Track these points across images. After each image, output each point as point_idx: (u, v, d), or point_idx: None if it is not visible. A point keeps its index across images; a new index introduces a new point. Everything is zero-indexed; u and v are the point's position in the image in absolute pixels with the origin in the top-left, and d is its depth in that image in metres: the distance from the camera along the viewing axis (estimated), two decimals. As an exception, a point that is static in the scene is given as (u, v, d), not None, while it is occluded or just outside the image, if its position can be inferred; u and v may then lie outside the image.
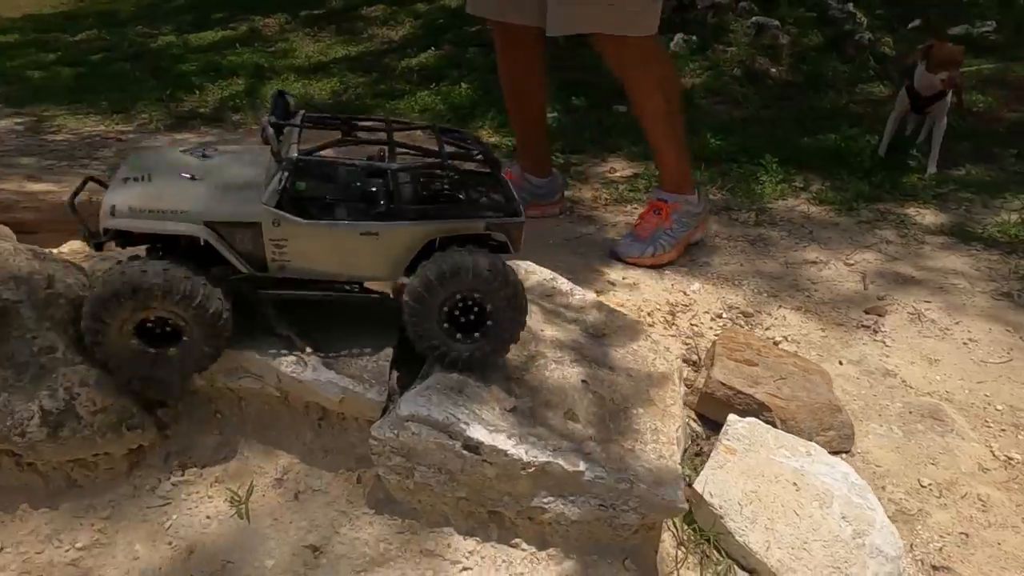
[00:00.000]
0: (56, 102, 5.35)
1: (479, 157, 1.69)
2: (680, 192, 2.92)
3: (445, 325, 1.58)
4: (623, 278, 2.83)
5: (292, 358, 1.58)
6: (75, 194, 1.69)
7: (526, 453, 1.45)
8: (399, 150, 1.68)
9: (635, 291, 2.74)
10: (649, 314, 2.60)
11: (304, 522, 1.54)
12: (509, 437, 1.46)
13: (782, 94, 4.60)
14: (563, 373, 1.75)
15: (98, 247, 1.62)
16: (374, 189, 1.65)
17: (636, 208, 3.49)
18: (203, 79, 5.69)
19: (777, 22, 5.05)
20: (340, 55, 6.24)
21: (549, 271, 2.30)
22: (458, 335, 1.60)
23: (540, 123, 3.33)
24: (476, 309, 1.58)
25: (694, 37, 5.14)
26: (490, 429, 1.47)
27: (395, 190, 1.57)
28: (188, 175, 1.61)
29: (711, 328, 2.54)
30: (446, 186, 1.68)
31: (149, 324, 1.51)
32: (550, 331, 1.91)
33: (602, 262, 2.91)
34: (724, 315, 2.60)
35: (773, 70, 4.75)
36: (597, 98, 4.87)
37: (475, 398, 1.55)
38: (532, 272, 2.27)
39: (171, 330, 1.51)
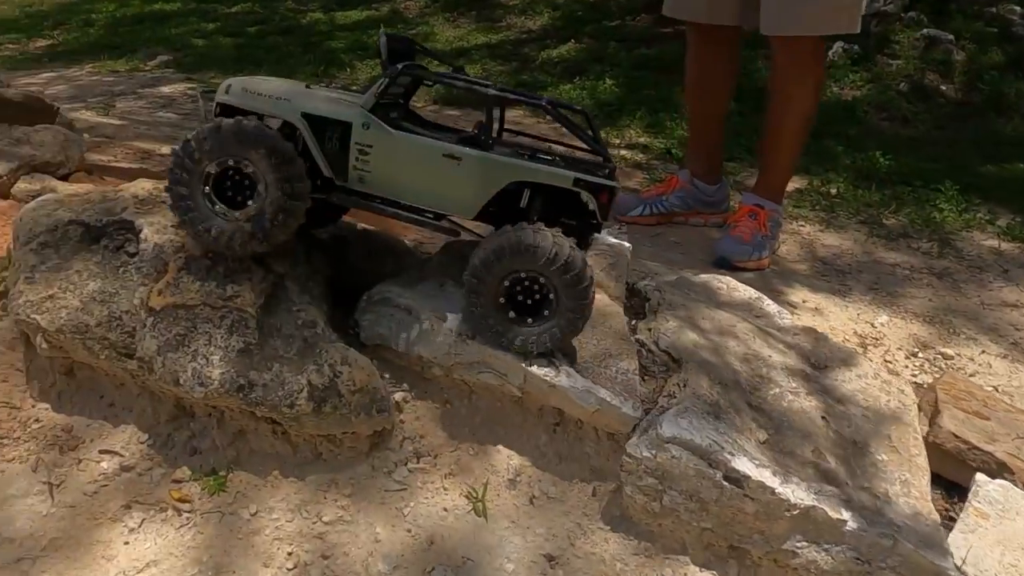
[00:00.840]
0: (221, 69, 5.55)
1: (580, 109, 1.64)
2: (775, 200, 2.88)
3: (502, 301, 1.48)
4: (803, 301, 2.68)
5: (545, 361, 1.53)
6: (203, 94, 1.71)
7: (792, 494, 1.35)
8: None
9: (820, 316, 2.58)
10: (826, 333, 2.44)
11: (541, 529, 1.50)
12: (774, 474, 1.37)
13: (956, 114, 4.26)
14: (801, 405, 1.64)
15: (223, 110, 1.59)
16: (472, 136, 1.56)
17: (803, 226, 3.30)
18: (352, 57, 5.78)
19: (951, 36, 4.67)
20: (480, 42, 6.21)
21: (754, 290, 2.18)
22: (516, 316, 1.49)
23: (721, 125, 3.19)
24: (537, 292, 1.47)
25: (855, 46, 4.83)
26: (755, 463, 1.37)
27: (488, 119, 1.47)
28: (306, 84, 1.67)
29: (907, 367, 2.36)
30: (542, 143, 1.68)
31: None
32: (775, 356, 1.80)
33: (771, 283, 2.76)
34: (920, 354, 2.42)
35: (945, 88, 4.40)
36: (749, 102, 4.65)
37: (731, 425, 1.46)
38: (736, 290, 2.16)
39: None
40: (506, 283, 1.45)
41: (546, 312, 1.47)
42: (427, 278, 1.75)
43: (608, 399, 1.46)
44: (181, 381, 1.43)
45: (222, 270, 1.53)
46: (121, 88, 5.05)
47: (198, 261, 1.52)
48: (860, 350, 2.43)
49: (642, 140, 4.33)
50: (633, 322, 1.90)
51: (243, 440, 1.58)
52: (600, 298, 1.76)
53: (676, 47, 5.72)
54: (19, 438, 1.56)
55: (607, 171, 1.48)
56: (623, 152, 4.14)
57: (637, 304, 2.02)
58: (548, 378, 1.50)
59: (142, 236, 1.60)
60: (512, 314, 1.50)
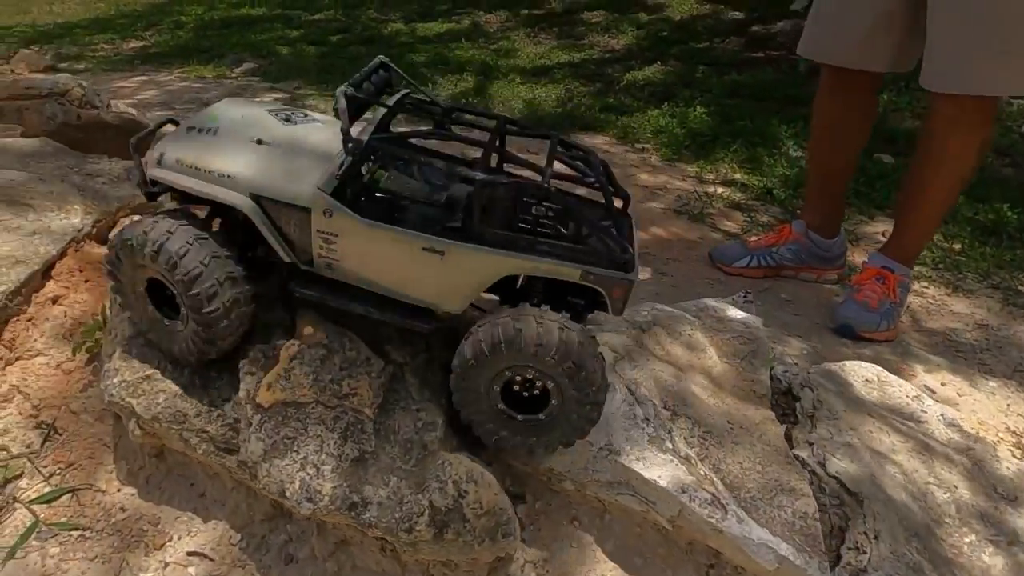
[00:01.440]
0: (305, 79, 5.42)
1: (594, 184, 1.25)
2: (907, 264, 2.57)
3: (495, 399, 1.22)
4: (941, 384, 2.33)
5: (707, 495, 1.25)
6: (146, 135, 1.40)
7: None
8: (504, 161, 1.32)
9: (963, 406, 2.22)
10: (995, 445, 2.09)
11: None
12: None
13: (1092, 165, 3.79)
14: (1004, 562, 1.32)
15: (150, 196, 1.36)
16: (454, 198, 1.30)
17: (926, 287, 2.93)
18: (433, 71, 5.58)
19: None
20: (562, 60, 5.93)
21: (911, 386, 1.86)
22: (512, 415, 1.23)
23: (847, 175, 2.85)
24: (537, 389, 1.21)
25: (973, 85, 4.36)
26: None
27: (478, 204, 1.17)
28: (256, 139, 1.31)
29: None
30: (547, 214, 1.29)
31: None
32: (959, 485, 1.48)
33: (901, 360, 2.42)
34: (1096, 462, 2.03)
35: (1079, 136, 3.93)
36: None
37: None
38: (889, 384, 1.84)
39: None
40: (501, 382, 1.20)
41: (545, 414, 1.21)
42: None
43: (791, 557, 1.18)
44: (288, 494, 1.21)
45: (338, 361, 1.31)
46: (209, 96, 4.96)
47: (312, 350, 1.30)
48: (1017, 453, 2.08)
49: (738, 177, 3.99)
50: (784, 427, 1.61)
51: (345, 552, 1.35)
52: (746, 403, 1.48)
53: (769, 74, 5.34)
54: (102, 530, 1.37)
55: (624, 261, 1.18)
56: (719, 189, 3.81)
57: (783, 401, 1.72)
58: (713, 520, 1.23)
59: (248, 311, 1.40)
60: (505, 410, 1.23)
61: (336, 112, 1.17)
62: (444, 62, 5.81)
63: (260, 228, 1.23)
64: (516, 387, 1.20)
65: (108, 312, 1.48)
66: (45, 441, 1.44)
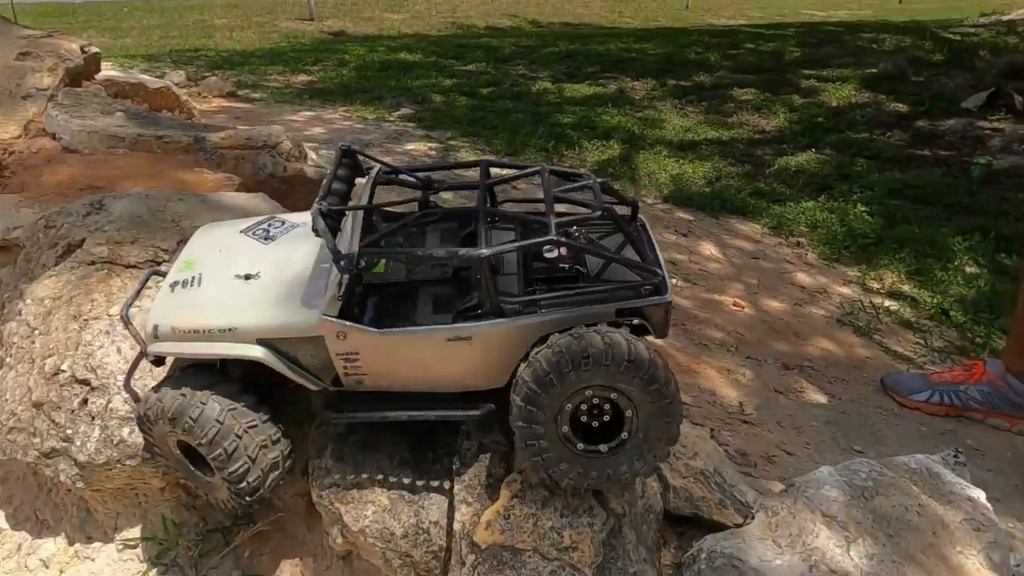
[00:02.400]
0: (457, 130, 5.55)
1: (602, 215, 1.16)
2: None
3: (564, 430, 1.08)
4: None
5: None
6: (133, 296, 1.34)
7: None
8: (498, 216, 1.29)
9: None
10: None
11: None
12: None
13: None
14: None
15: (156, 363, 1.28)
16: (463, 271, 1.20)
17: None
18: (579, 134, 5.56)
19: None
20: (710, 136, 5.76)
21: None
22: (581, 447, 1.10)
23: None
24: (609, 412, 1.09)
25: None
26: None
27: (487, 281, 1.08)
28: (242, 274, 1.24)
29: None
30: (563, 256, 1.19)
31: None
32: None
33: None
34: None
35: None
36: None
37: None
38: None
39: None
40: (568, 405, 1.08)
41: (624, 436, 1.10)
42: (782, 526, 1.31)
43: None
44: (496, 652, 1.10)
45: (559, 506, 1.19)
46: (370, 138, 5.15)
47: (535, 490, 1.20)
48: None
49: (907, 289, 3.65)
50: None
51: None
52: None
53: (937, 175, 4.94)
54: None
55: (654, 284, 1.12)
56: (886, 302, 3.49)
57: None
58: None
59: (464, 428, 1.31)
60: (581, 445, 1.11)
61: (316, 232, 1.11)
62: (591, 126, 5.80)
63: (279, 370, 1.18)
64: (584, 416, 1.09)
65: (317, 400, 1.45)
66: (237, 520, 1.40)
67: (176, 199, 1.79)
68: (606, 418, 1.10)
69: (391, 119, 5.79)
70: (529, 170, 1.30)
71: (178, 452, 1.27)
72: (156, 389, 1.24)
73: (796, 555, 1.26)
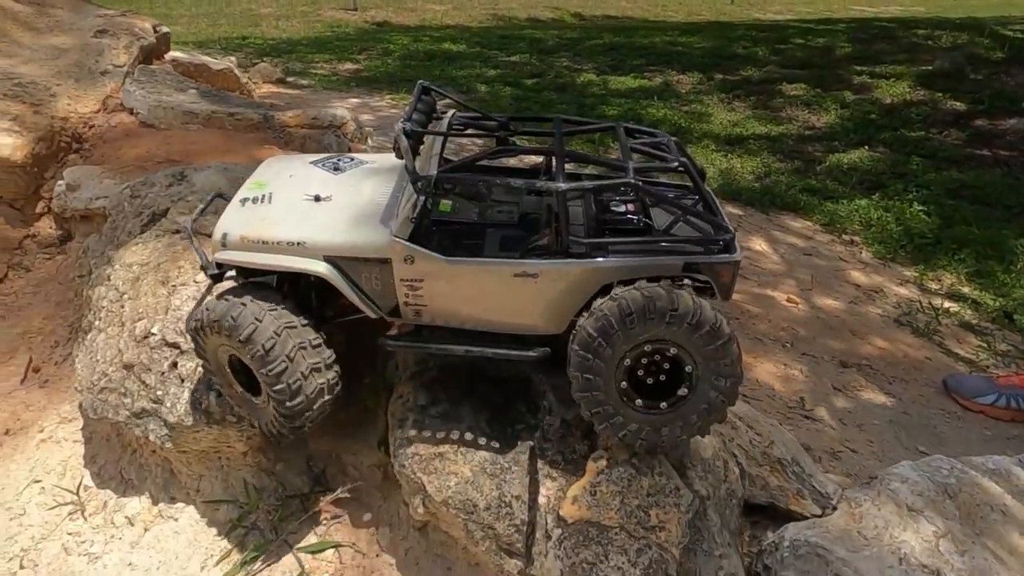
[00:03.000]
0: (502, 121, 5.56)
1: (679, 167, 1.16)
2: None
3: (623, 385, 1.08)
4: None
5: None
6: (199, 214, 1.37)
7: None
8: (574, 163, 1.30)
9: None
10: None
11: None
12: None
13: None
14: None
15: (215, 279, 1.28)
16: (535, 215, 1.21)
17: None
18: (625, 127, 5.52)
19: None
20: (758, 132, 5.65)
21: None
22: (639, 402, 1.10)
23: None
24: (668, 367, 1.08)
25: None
26: None
27: (562, 216, 1.08)
28: (312, 195, 1.25)
29: None
30: (631, 210, 1.18)
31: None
32: None
33: None
34: None
35: None
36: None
37: None
38: None
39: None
40: (628, 360, 1.07)
41: (683, 391, 1.09)
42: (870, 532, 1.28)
43: None
44: (583, 626, 1.10)
45: (646, 485, 1.18)
46: (416, 126, 5.17)
47: (620, 467, 1.19)
48: None
49: (967, 291, 3.54)
50: None
51: None
52: None
53: (997, 176, 4.78)
54: (364, 604, 1.32)
55: (723, 241, 1.10)
56: (946, 304, 3.39)
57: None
58: None
59: (545, 404, 1.31)
60: (638, 400, 1.10)
61: (397, 151, 1.13)
62: (636, 119, 5.73)
63: (341, 289, 1.18)
64: (642, 371, 1.09)
65: (393, 373, 1.46)
66: (314, 487, 1.42)
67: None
68: (663, 377, 1.10)
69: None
70: (605, 125, 1.30)
71: (227, 368, 1.27)
72: (216, 299, 1.24)
73: (884, 547, 1.24)
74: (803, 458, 1.50)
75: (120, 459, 1.54)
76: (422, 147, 1.25)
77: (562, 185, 1.08)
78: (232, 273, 1.30)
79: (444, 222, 1.25)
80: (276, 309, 1.19)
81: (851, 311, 3.33)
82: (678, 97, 6.36)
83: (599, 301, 1.08)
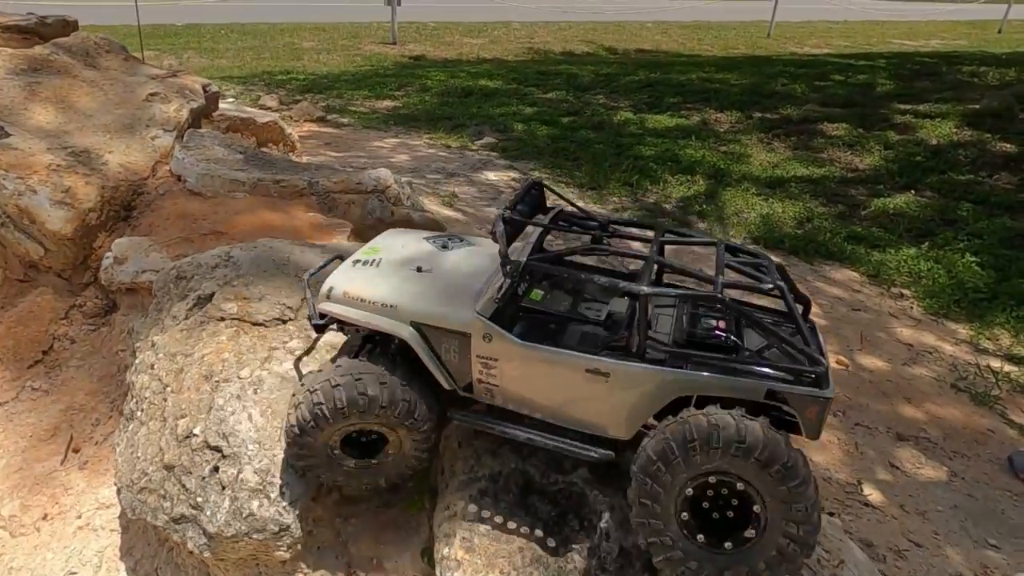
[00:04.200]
0: (538, 161, 5.50)
1: (772, 290, 1.11)
2: None
3: (684, 517, 1.01)
4: None
5: None
6: (318, 269, 1.46)
7: None
8: (666, 271, 1.27)
9: None
10: None
11: None
12: None
13: None
14: None
15: (319, 329, 1.34)
16: (615, 315, 1.20)
17: None
18: (662, 168, 5.41)
19: None
20: (799, 174, 5.51)
21: None
22: (701, 537, 1.02)
23: None
24: (735, 502, 1.00)
25: None
26: None
27: (641, 320, 1.05)
28: (416, 267, 1.30)
29: None
30: (721, 327, 1.13)
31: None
32: None
33: None
34: None
35: None
36: None
37: None
38: None
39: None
40: (690, 490, 1.01)
41: (750, 533, 1.00)
42: None
43: None
44: None
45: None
46: (453, 167, 5.17)
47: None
48: None
49: (1016, 351, 3.34)
50: None
51: None
52: None
53: (1054, 224, 4.57)
54: None
55: (814, 374, 1.02)
56: (1006, 367, 3.21)
57: None
58: None
59: (603, 526, 1.22)
60: (699, 536, 1.02)
61: (493, 235, 1.17)
62: (674, 159, 5.64)
63: (420, 355, 1.21)
64: (708, 504, 1.02)
65: (438, 477, 1.39)
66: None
67: (298, 251, 1.78)
68: (730, 513, 1.03)
69: (474, 148, 5.80)
70: (707, 240, 1.28)
71: (339, 450, 1.30)
72: (319, 383, 1.26)
73: None
74: (877, 583, 1.38)
75: (156, 556, 1.49)
76: (523, 236, 1.29)
77: (645, 288, 1.08)
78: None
79: (533, 311, 1.26)
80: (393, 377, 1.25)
81: (902, 374, 3.16)
82: (716, 137, 6.26)
83: (664, 422, 1.03)
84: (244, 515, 1.30)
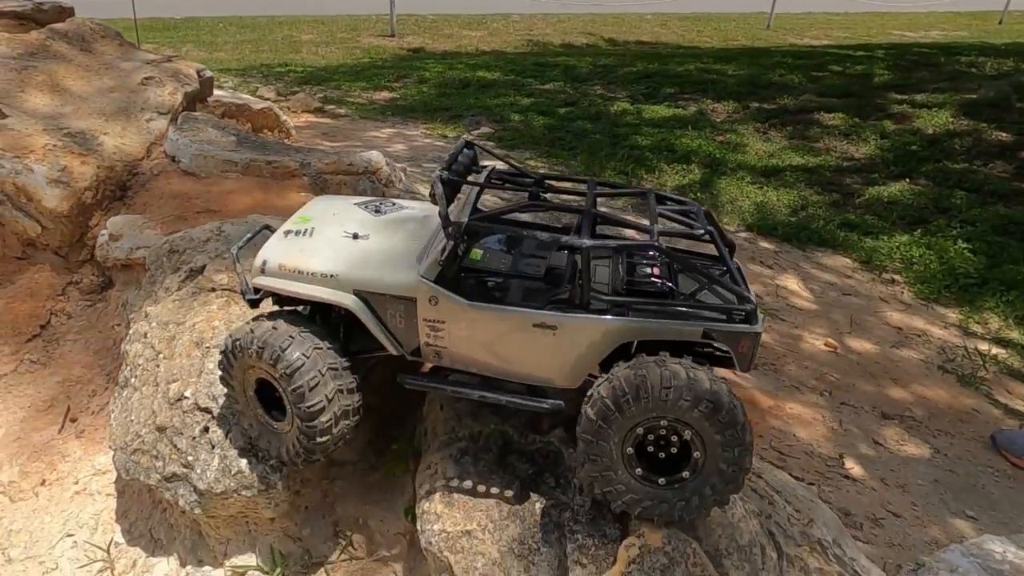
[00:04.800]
0: (535, 151, 5.53)
1: (704, 236, 1.17)
2: None
3: (632, 463, 1.09)
4: None
5: None
6: (245, 242, 1.43)
7: None
8: (603, 224, 1.32)
9: None
10: None
11: None
12: None
13: None
14: None
15: (253, 304, 1.34)
16: (557, 269, 1.24)
17: None
18: (658, 158, 5.46)
19: None
20: (795, 162, 5.55)
21: None
22: (648, 476, 1.10)
23: None
24: (677, 443, 1.07)
25: None
26: None
27: (584, 273, 1.11)
28: (351, 233, 1.31)
29: None
30: (657, 274, 1.20)
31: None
32: None
33: None
34: None
35: None
36: None
37: None
38: None
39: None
40: (639, 431, 1.08)
41: (685, 474, 1.08)
42: None
43: None
44: None
45: (680, 574, 1.13)
46: (449, 157, 5.21)
47: (654, 555, 1.14)
48: None
49: (1016, 336, 3.39)
50: None
51: None
52: None
53: (1047, 211, 4.60)
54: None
55: (745, 312, 1.09)
56: (993, 349, 3.25)
57: None
58: None
59: (576, 481, 1.27)
60: (642, 472, 1.11)
61: (432, 197, 1.19)
62: (670, 149, 5.68)
63: (366, 323, 1.23)
64: (651, 447, 1.10)
65: (422, 439, 1.44)
66: (340, 553, 1.40)
67: (287, 227, 1.83)
68: (673, 451, 1.10)
69: (470, 138, 5.85)
70: (636, 190, 1.34)
71: (252, 392, 1.32)
72: (243, 326, 1.31)
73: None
74: (845, 539, 1.43)
75: (151, 517, 1.55)
76: (458, 197, 1.31)
77: (587, 242, 1.12)
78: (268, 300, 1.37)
79: (474, 271, 1.29)
80: (306, 331, 1.27)
81: (890, 356, 3.21)
82: (713, 126, 6.29)
83: (617, 367, 1.10)
84: (233, 472, 1.36)
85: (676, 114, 6.55)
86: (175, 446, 1.40)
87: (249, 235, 1.49)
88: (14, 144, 2.11)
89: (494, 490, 1.30)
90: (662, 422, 1.06)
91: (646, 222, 1.16)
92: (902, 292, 3.80)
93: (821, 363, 3.04)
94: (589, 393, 1.10)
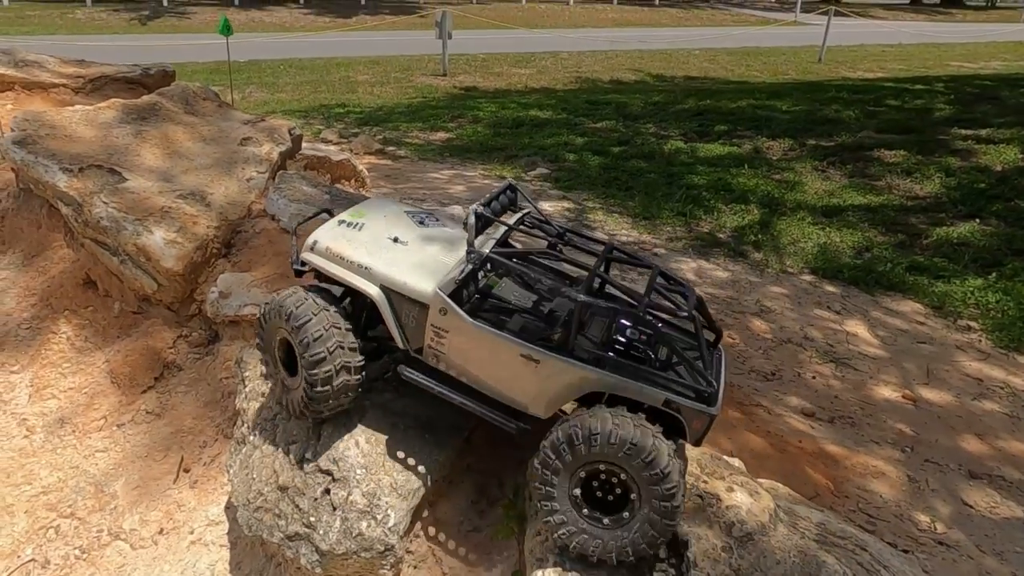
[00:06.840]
0: (591, 191, 5.62)
1: (687, 317, 1.28)
2: None
3: (579, 504, 1.24)
4: None
5: None
6: (305, 220, 1.67)
7: None
8: (606, 284, 1.47)
9: None
10: None
11: None
12: None
13: None
14: None
15: (297, 273, 1.55)
16: (556, 313, 1.38)
17: None
18: (715, 198, 5.46)
19: None
20: (856, 202, 5.48)
21: None
22: (589, 513, 1.25)
23: None
24: (617, 488, 1.22)
25: None
26: None
27: (576, 321, 1.26)
28: (393, 236, 1.48)
29: None
30: (640, 338, 1.33)
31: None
32: None
33: None
34: None
35: None
36: None
37: None
38: None
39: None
40: (581, 475, 1.23)
41: (625, 514, 1.22)
42: None
43: None
44: None
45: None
46: (509, 199, 5.31)
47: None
48: None
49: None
50: None
51: None
52: None
53: None
54: None
55: (708, 393, 1.22)
56: (1083, 406, 3.12)
57: None
58: None
59: (689, 555, 1.30)
60: (586, 511, 1.25)
61: (466, 226, 1.36)
62: (726, 188, 5.68)
63: (384, 315, 1.40)
64: (596, 488, 1.23)
65: (526, 504, 1.48)
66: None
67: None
68: (619, 491, 1.22)
69: (528, 178, 5.96)
70: (643, 263, 1.48)
71: (277, 351, 1.51)
72: (279, 293, 1.50)
73: None
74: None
75: (263, 570, 1.63)
76: (487, 231, 1.49)
77: (582, 296, 1.28)
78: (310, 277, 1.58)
79: (488, 295, 1.47)
80: (329, 310, 1.45)
81: (971, 408, 3.12)
82: (769, 164, 6.28)
83: (574, 412, 1.25)
84: (354, 534, 1.43)
85: (731, 152, 6.56)
86: (297, 506, 1.48)
87: (309, 215, 1.74)
88: (134, 205, 2.28)
89: (607, 563, 1.33)
90: (600, 466, 1.21)
91: (641, 291, 1.32)
92: (979, 340, 3.70)
93: (901, 417, 2.97)
94: (551, 429, 1.26)
